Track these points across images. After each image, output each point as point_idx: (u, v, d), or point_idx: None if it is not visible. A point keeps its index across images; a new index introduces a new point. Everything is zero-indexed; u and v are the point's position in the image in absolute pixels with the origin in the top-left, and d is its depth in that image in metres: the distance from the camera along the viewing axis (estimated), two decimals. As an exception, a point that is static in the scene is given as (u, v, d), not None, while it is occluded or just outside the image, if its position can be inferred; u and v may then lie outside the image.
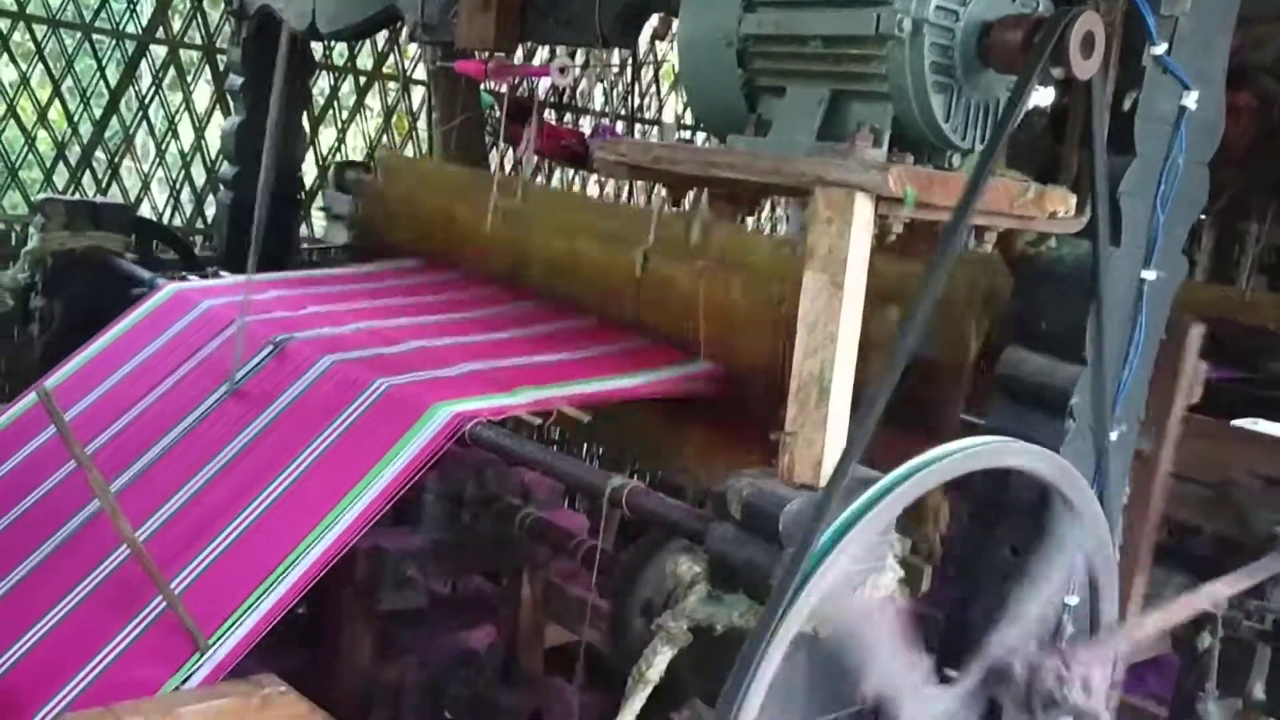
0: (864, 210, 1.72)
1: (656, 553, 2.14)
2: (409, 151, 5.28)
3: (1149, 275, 2.10)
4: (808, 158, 1.80)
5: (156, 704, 2.05)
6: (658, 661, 1.77)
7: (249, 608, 2.28)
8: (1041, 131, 2.11)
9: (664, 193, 2.16)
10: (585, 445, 5.12)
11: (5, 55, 4.27)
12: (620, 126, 5.52)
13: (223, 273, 3.63)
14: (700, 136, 5.56)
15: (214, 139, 4.71)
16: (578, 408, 2.67)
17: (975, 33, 1.82)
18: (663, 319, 3.05)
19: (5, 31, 4.24)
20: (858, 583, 1.78)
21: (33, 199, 4.17)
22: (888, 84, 1.80)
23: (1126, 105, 1.99)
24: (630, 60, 5.52)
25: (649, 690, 1.79)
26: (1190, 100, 2.04)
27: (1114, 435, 2.11)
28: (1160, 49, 1.96)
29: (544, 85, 5.17)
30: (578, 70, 3.32)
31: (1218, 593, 2.63)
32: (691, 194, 2.21)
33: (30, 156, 4.45)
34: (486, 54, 3.43)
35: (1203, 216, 5.48)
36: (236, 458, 2.67)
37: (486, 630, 2.99)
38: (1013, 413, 2.14)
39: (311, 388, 2.77)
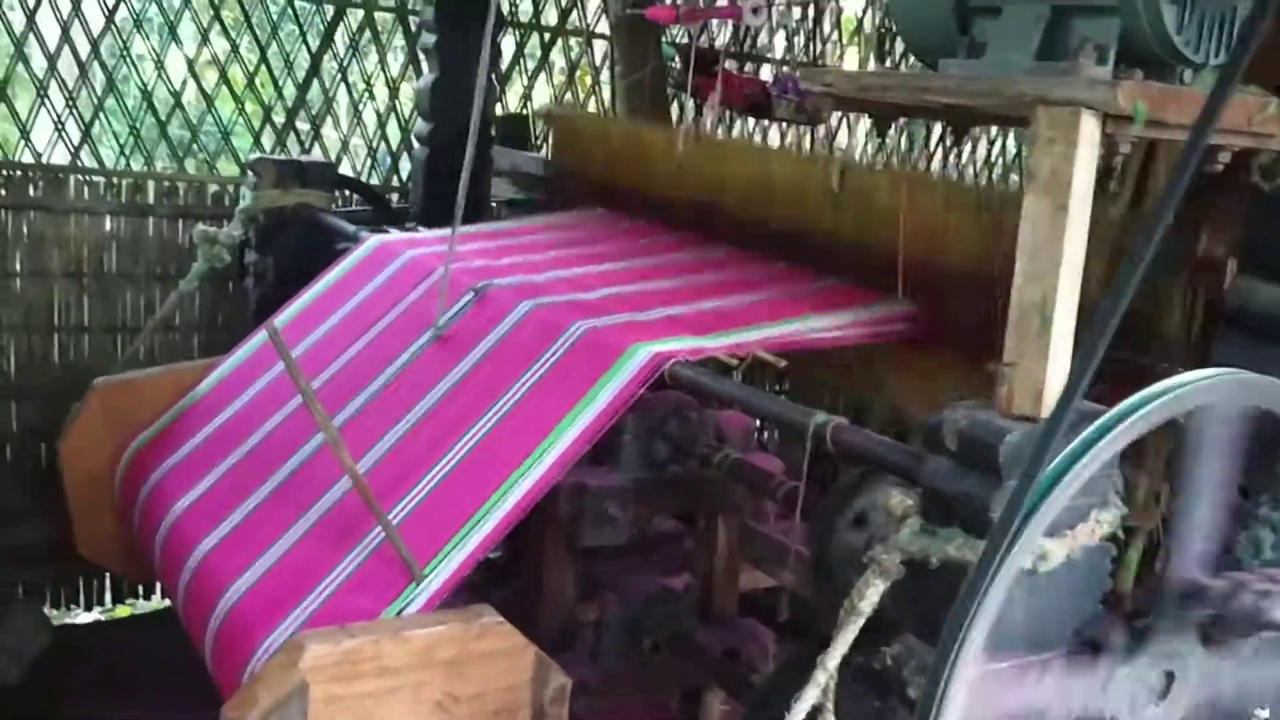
0: (1090, 129, 1.64)
1: (859, 490, 2.12)
2: (592, 106, 5.33)
3: (1403, 192, 1.94)
4: (1028, 77, 1.73)
5: (386, 625, 2.16)
6: (870, 594, 1.76)
7: (460, 541, 2.37)
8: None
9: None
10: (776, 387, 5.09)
11: (217, 26, 4.51)
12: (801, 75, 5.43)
13: (420, 228, 3.76)
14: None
15: (406, 99, 4.87)
16: (774, 352, 2.65)
17: (1212, -63, 1.71)
18: (862, 236, 2.98)
19: (216, 4, 4.47)
20: (1079, 518, 1.73)
21: (243, 161, 4.40)
22: (1114, -4, 1.72)
23: (1381, 9, 1.83)
24: (810, 7, 5.43)
25: (861, 622, 1.78)
26: None
27: (1360, 370, 1.97)
28: None
29: (725, 35, 5.15)
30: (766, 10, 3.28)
31: None
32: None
33: (239, 122, 4.70)
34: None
35: None
36: (444, 398, 2.78)
37: (683, 571, 3.03)
38: (1243, 346, 2.03)
39: (512, 331, 2.85)
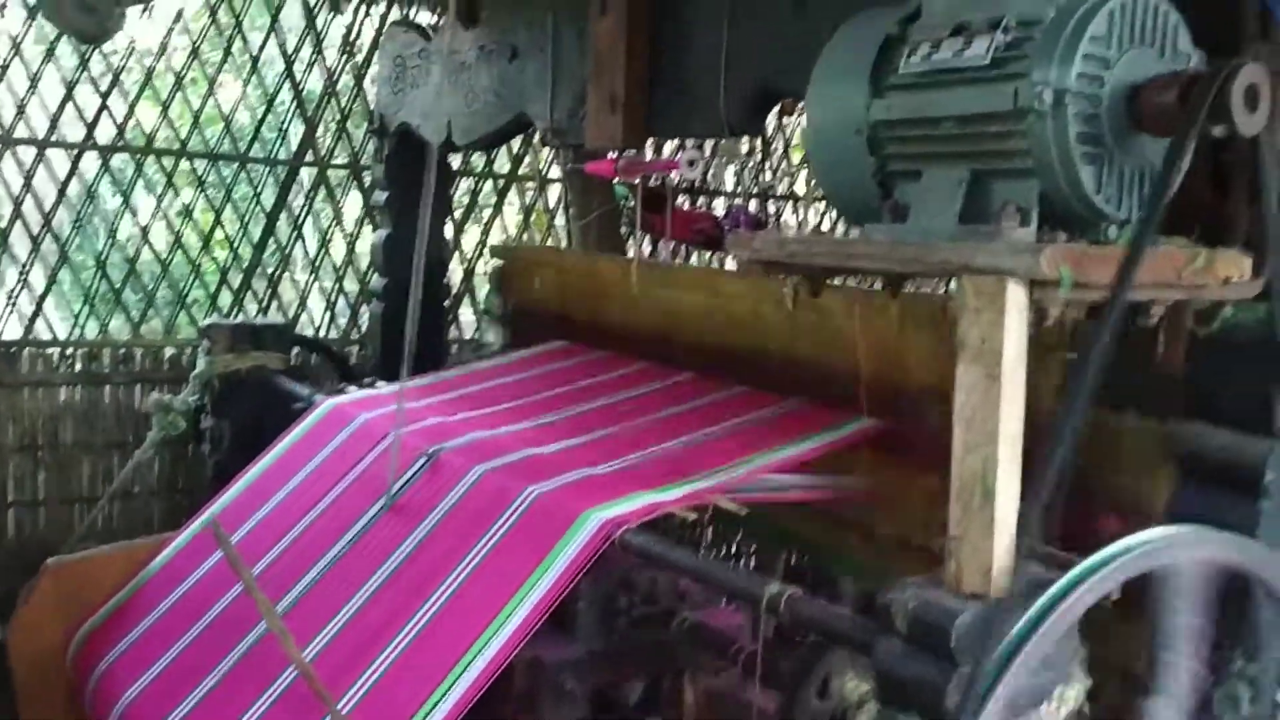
0: (1017, 296, 1.62)
1: (821, 658, 2.05)
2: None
3: (1342, 334, 1.92)
4: (951, 243, 1.72)
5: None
6: (832, 785, 1.68)
7: (416, 726, 2.28)
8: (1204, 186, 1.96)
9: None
10: (740, 531, 5.02)
11: (170, 190, 4.53)
12: (754, 205, 5.49)
13: (379, 383, 3.72)
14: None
15: (364, 251, 4.88)
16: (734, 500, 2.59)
17: (1123, 97, 1.71)
18: (820, 357, 2.95)
19: (169, 168, 4.50)
20: (1042, 696, 1.66)
21: (200, 323, 4.38)
22: (1031, 160, 1.71)
23: (1299, 153, 1.84)
24: (759, 138, 5.51)
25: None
26: (1372, 140, 1.87)
27: (1318, 512, 1.92)
28: (1330, 92, 1.81)
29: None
30: (706, 157, 3.32)
31: None
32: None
33: (196, 282, 4.70)
34: (616, 152, 3.46)
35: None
36: (395, 573, 2.69)
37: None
38: (1197, 493, 1.98)
39: (464, 499, 2.79)
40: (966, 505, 1.66)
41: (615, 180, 4.67)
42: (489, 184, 5.28)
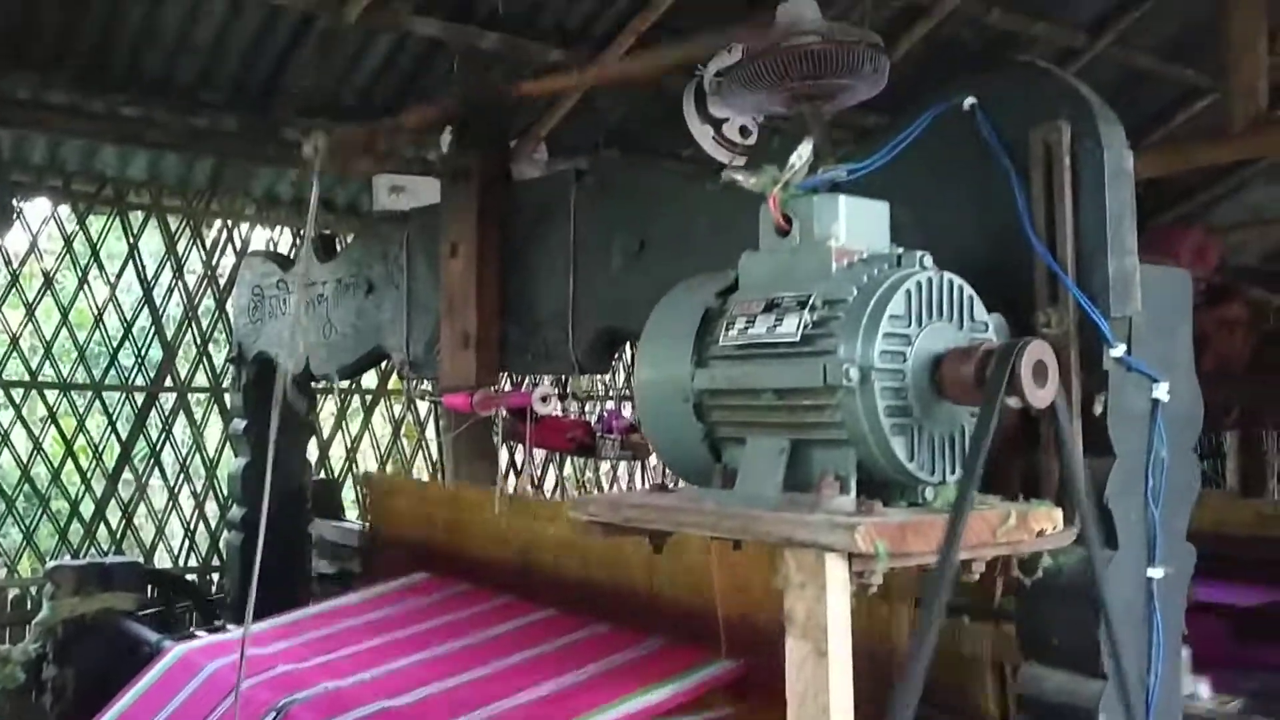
0: (837, 571, 1.65)
1: None
2: (420, 461, 5.31)
3: (1155, 573, 2.00)
4: (774, 515, 1.75)
5: None
6: None
7: None
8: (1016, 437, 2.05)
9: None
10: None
11: (19, 423, 4.39)
12: (627, 410, 5.57)
13: (230, 626, 3.58)
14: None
15: (226, 474, 4.77)
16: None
17: (927, 368, 1.79)
18: (680, 593, 2.96)
19: (18, 400, 4.37)
20: None
21: (46, 561, 4.19)
22: (845, 431, 1.77)
23: (1097, 409, 1.94)
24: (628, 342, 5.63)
25: None
26: (1161, 392, 2.00)
27: (1154, 749, 1.96)
28: (1119, 351, 1.94)
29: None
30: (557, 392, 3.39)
31: None
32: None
33: (44, 517, 4.51)
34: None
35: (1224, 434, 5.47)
36: None
37: None
38: (1043, 736, 2.01)
39: (315, 763, 2.66)
40: (804, 784, 1.65)
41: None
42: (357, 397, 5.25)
